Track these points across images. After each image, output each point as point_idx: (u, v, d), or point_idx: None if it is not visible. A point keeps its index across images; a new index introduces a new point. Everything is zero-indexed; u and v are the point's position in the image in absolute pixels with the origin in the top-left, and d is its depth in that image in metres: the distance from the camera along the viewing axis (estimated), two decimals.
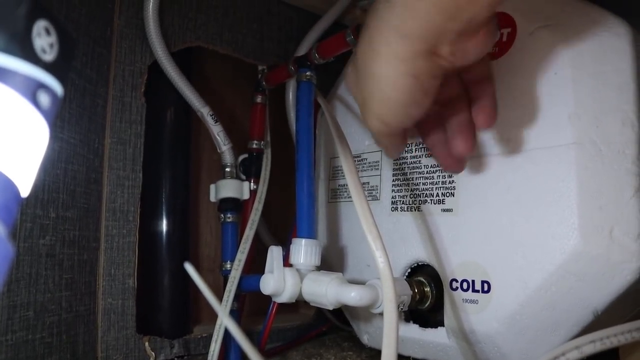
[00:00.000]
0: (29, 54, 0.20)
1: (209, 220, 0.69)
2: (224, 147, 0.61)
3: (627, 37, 0.42)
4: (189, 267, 0.36)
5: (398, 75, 0.31)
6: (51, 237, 0.47)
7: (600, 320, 0.41)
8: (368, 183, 0.55)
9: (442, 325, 0.48)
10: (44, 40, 0.21)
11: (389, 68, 0.31)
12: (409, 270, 0.51)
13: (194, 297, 0.63)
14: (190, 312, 0.63)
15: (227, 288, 0.54)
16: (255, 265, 0.59)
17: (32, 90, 0.20)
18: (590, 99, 0.41)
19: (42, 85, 0.21)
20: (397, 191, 0.53)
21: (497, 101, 0.43)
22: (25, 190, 0.21)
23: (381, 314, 0.45)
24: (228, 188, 0.61)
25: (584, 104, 0.41)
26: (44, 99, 0.21)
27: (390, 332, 0.38)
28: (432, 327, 0.49)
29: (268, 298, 0.49)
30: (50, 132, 0.22)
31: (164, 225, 0.60)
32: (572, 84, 0.41)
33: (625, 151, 0.40)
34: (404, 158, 0.52)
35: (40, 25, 0.21)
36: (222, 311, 0.37)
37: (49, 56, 0.21)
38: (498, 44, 0.45)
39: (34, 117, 0.20)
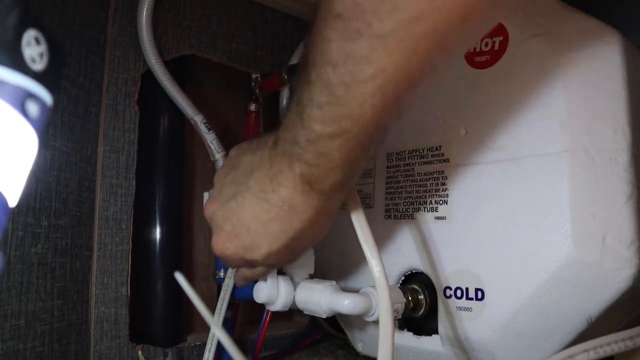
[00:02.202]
0: (18, 64, 0.20)
1: (203, 228, 0.69)
2: (218, 155, 0.61)
3: (618, 46, 0.42)
4: (179, 277, 0.36)
5: None
6: (43, 245, 0.46)
7: (595, 328, 0.41)
8: (361, 191, 0.55)
9: (437, 333, 0.48)
10: (33, 49, 0.21)
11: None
12: (403, 278, 0.51)
13: (188, 305, 0.63)
14: (184, 321, 0.62)
15: (221, 296, 0.54)
16: None
17: (21, 99, 0.20)
18: (582, 107, 0.41)
19: (31, 95, 0.21)
20: (391, 199, 0.53)
21: (491, 109, 0.44)
22: (13, 200, 0.21)
23: (375, 322, 0.45)
24: None
25: (576, 112, 0.41)
26: (33, 108, 0.21)
27: (386, 341, 0.37)
28: (426, 334, 0.49)
29: (262, 306, 0.49)
30: (39, 141, 0.22)
31: (158, 233, 0.60)
32: (563, 92, 0.41)
33: (617, 159, 0.40)
34: (397, 166, 0.52)
35: (30, 34, 0.21)
36: (214, 323, 0.37)
37: (38, 65, 0.21)
38: (490, 53, 0.45)
39: (22, 126, 0.20)
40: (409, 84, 0.29)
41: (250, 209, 0.38)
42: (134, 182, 0.57)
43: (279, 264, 0.41)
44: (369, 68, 0.27)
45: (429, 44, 0.27)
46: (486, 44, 0.45)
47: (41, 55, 0.21)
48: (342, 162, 0.33)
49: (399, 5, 0.25)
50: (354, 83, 0.28)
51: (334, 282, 0.45)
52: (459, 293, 0.46)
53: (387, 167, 0.53)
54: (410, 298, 0.47)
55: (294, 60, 0.65)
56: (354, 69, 0.28)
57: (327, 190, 0.35)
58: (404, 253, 0.50)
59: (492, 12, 0.29)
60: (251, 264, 0.41)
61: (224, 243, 0.40)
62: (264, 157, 0.38)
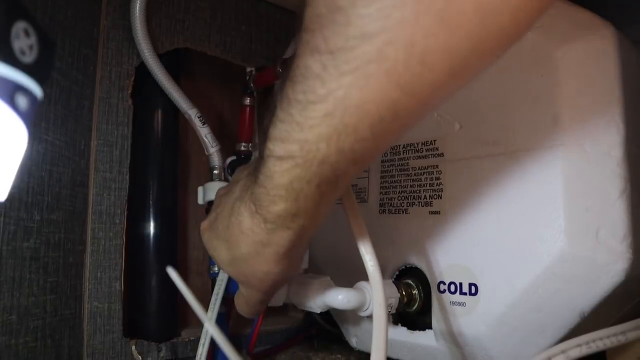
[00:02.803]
0: (7, 56, 0.20)
1: (197, 223, 0.69)
2: (212, 149, 0.61)
3: (612, 40, 0.42)
4: (171, 272, 0.35)
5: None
6: (35, 240, 0.46)
7: (588, 322, 0.41)
8: (356, 185, 0.55)
9: (430, 327, 0.48)
10: (23, 41, 0.21)
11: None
12: (397, 272, 0.51)
13: (182, 300, 0.62)
14: (178, 315, 0.62)
15: (215, 291, 0.54)
16: None
17: (9, 92, 0.20)
18: (575, 101, 0.41)
19: (20, 88, 0.20)
20: (385, 193, 0.52)
21: (485, 103, 0.44)
22: (2, 194, 0.20)
23: (369, 317, 0.45)
24: (216, 190, 0.60)
25: (570, 105, 0.41)
26: (23, 101, 0.21)
27: (379, 335, 0.37)
28: (420, 329, 0.49)
29: None
30: (29, 135, 0.21)
31: (152, 228, 0.59)
32: (557, 85, 0.41)
33: (610, 153, 0.40)
34: (392, 160, 0.52)
35: (19, 26, 0.21)
36: (206, 318, 0.36)
37: (28, 58, 0.21)
38: None
39: (12, 119, 0.20)
40: (360, 119, 0.26)
41: (227, 210, 0.37)
42: (127, 177, 0.57)
43: (237, 279, 0.39)
44: (320, 88, 0.26)
45: (381, 73, 0.24)
46: None
47: (31, 47, 0.21)
48: (286, 193, 0.31)
49: (351, 20, 0.23)
50: (306, 103, 0.27)
51: (328, 277, 0.45)
52: (452, 288, 0.46)
53: (382, 161, 0.53)
54: (404, 293, 0.47)
55: (288, 54, 0.65)
56: (308, 88, 0.26)
57: (270, 219, 0.33)
58: (398, 248, 0.50)
59: (462, 56, 0.25)
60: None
61: (204, 227, 0.40)
62: (251, 164, 0.37)
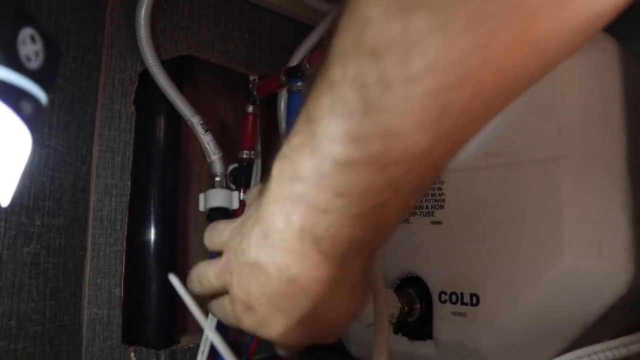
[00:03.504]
0: (13, 62, 0.20)
1: (198, 230, 0.69)
2: (214, 156, 0.61)
3: (614, 53, 0.42)
4: (173, 279, 0.35)
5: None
6: (36, 245, 0.46)
7: (589, 334, 0.41)
8: None
9: (431, 337, 0.47)
10: (29, 48, 0.21)
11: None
12: (399, 282, 0.50)
13: (182, 307, 0.62)
14: (178, 322, 0.62)
15: None
16: None
17: (15, 98, 0.20)
18: (578, 114, 0.41)
19: (25, 93, 0.21)
20: None
21: None
22: (5, 200, 0.20)
23: (369, 326, 0.44)
24: (217, 197, 0.60)
25: (573, 118, 0.41)
26: (28, 107, 0.21)
27: (380, 345, 0.37)
28: (420, 339, 0.48)
29: None
30: (33, 140, 0.21)
31: (152, 234, 0.59)
32: (560, 98, 0.41)
33: (612, 166, 0.40)
34: None
35: (25, 33, 0.21)
36: (207, 325, 0.36)
37: (34, 64, 0.21)
38: None
39: (16, 125, 0.20)
40: (463, 94, 0.21)
41: (254, 278, 0.28)
42: (129, 183, 0.57)
43: (306, 342, 0.31)
44: (421, 56, 0.19)
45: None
46: None
47: (36, 53, 0.21)
48: (365, 208, 0.23)
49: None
50: (399, 79, 0.20)
51: None
52: (453, 298, 0.46)
53: None
54: (405, 302, 0.47)
55: (292, 63, 0.65)
56: (403, 58, 0.19)
57: (341, 253, 0.25)
58: (400, 257, 0.50)
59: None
60: (270, 342, 0.31)
61: (240, 315, 0.30)
62: (237, 226, 0.29)
